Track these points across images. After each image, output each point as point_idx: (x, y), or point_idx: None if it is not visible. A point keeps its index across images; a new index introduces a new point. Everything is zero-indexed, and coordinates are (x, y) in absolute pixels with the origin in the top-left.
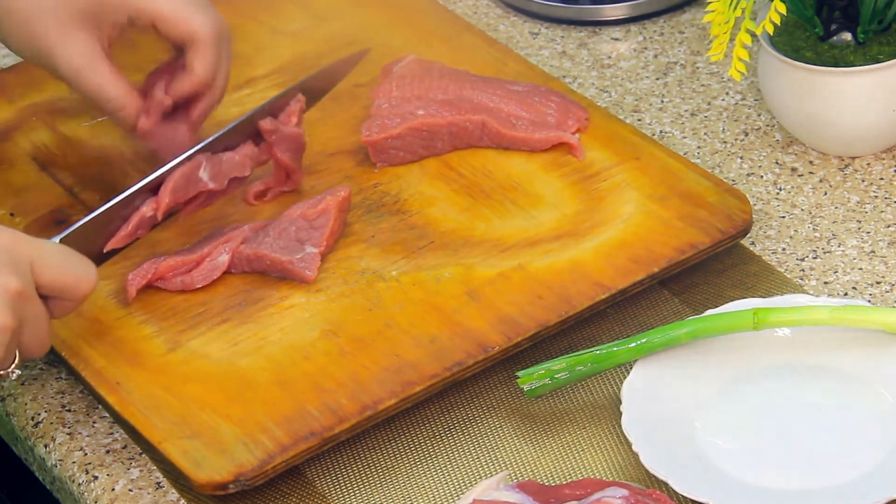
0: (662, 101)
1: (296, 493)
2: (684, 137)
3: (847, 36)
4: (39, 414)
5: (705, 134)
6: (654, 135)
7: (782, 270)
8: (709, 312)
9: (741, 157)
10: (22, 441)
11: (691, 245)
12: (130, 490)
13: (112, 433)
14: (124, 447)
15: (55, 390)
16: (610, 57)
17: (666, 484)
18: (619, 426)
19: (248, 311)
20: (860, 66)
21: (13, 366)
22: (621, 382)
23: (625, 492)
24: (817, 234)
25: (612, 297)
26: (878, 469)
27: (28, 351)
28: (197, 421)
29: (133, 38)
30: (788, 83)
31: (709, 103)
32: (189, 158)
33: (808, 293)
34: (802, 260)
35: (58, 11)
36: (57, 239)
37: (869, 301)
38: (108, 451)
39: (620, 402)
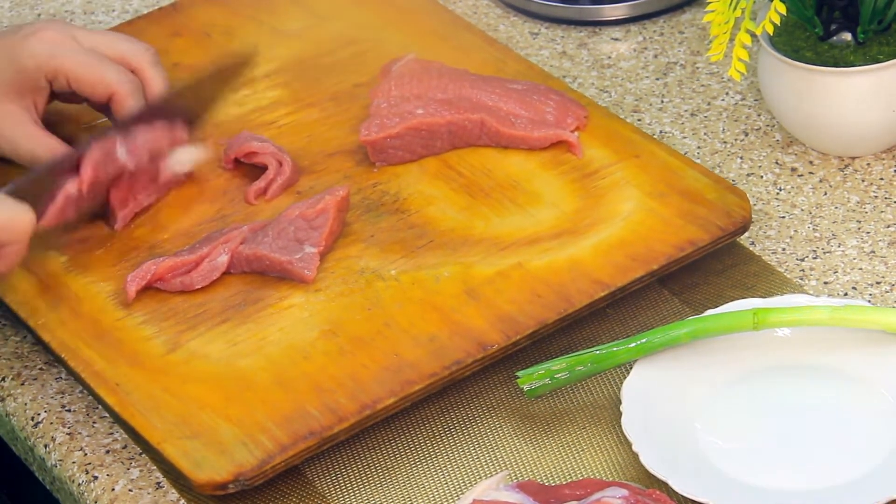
0: (662, 102)
1: (295, 493)
2: (684, 137)
3: (847, 36)
4: (39, 414)
5: (705, 134)
6: (654, 135)
7: (782, 270)
8: (709, 312)
9: (741, 158)
10: (22, 441)
11: (691, 242)
12: (130, 490)
13: (112, 433)
14: (124, 447)
15: (55, 390)
16: (610, 57)
17: (666, 484)
18: (619, 426)
19: (248, 312)
20: (860, 66)
21: None
22: (621, 382)
23: (625, 492)
24: (817, 235)
25: (612, 295)
26: (878, 469)
27: None
28: (196, 421)
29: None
30: (788, 83)
31: (709, 103)
32: (105, 138)
33: (808, 293)
34: (802, 260)
35: None
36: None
37: (869, 301)
38: (107, 452)
39: (620, 402)
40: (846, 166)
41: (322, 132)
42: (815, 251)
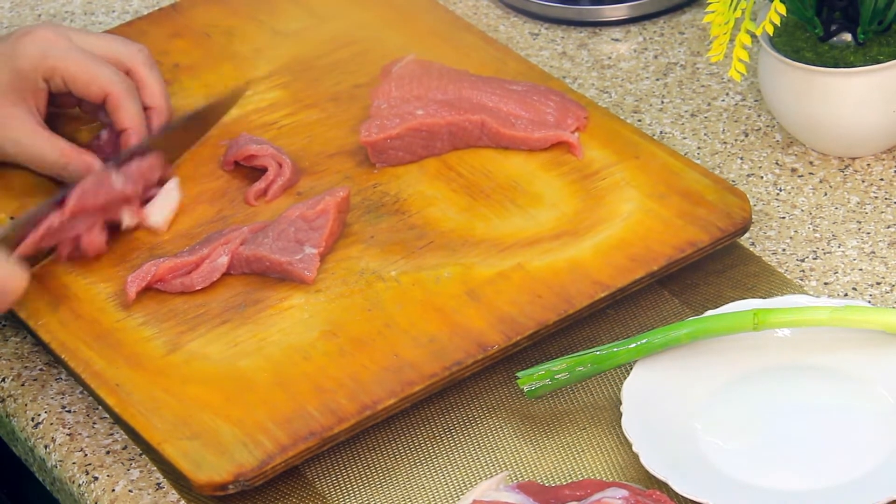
0: (662, 102)
1: (295, 494)
2: (684, 138)
3: (847, 36)
4: (39, 415)
5: (705, 134)
6: (654, 135)
7: (782, 271)
8: (709, 313)
9: (741, 158)
10: (22, 442)
11: (691, 243)
12: (130, 491)
13: (112, 434)
14: (124, 448)
15: (55, 391)
16: (610, 58)
17: (666, 484)
18: (619, 426)
19: (248, 313)
20: (860, 66)
21: None
22: (621, 383)
23: (625, 492)
24: (817, 235)
25: (612, 296)
26: (878, 469)
27: None
28: (196, 422)
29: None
30: (788, 84)
31: (709, 104)
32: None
33: (808, 294)
34: (802, 260)
35: None
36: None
37: (869, 301)
38: (108, 452)
39: (620, 403)
40: (846, 167)
41: (322, 133)
42: (815, 252)
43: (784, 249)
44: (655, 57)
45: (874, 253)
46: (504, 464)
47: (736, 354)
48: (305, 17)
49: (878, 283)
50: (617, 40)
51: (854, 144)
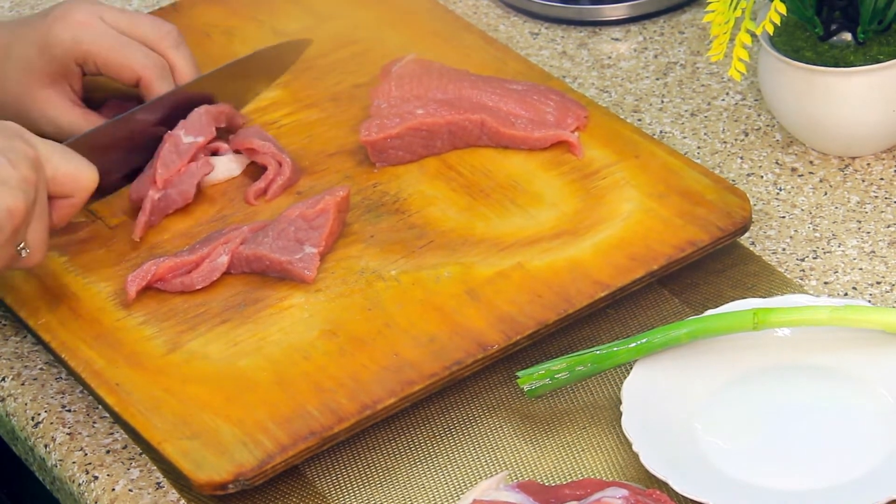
0: (662, 102)
1: (295, 493)
2: (684, 137)
3: (847, 36)
4: (39, 414)
5: (705, 134)
6: (654, 135)
7: (782, 270)
8: (709, 312)
9: (741, 158)
10: (22, 441)
11: (691, 243)
12: (130, 490)
13: (112, 433)
14: (124, 447)
15: (55, 390)
16: (610, 57)
17: (666, 484)
18: (619, 426)
19: (248, 312)
20: (860, 66)
21: (20, 250)
22: (621, 382)
23: (625, 492)
24: (817, 235)
25: (612, 296)
26: (878, 469)
27: (30, 245)
28: (196, 421)
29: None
30: (788, 83)
31: (709, 103)
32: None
33: (808, 293)
34: (802, 260)
35: (20, 79)
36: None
37: (869, 301)
38: (108, 452)
39: (620, 402)
40: (846, 166)
41: (322, 132)
42: (815, 251)
43: (784, 249)
44: (655, 56)
45: (874, 252)
46: (504, 463)
47: (736, 354)
48: (305, 16)
49: (878, 283)
50: (617, 40)
51: (854, 144)
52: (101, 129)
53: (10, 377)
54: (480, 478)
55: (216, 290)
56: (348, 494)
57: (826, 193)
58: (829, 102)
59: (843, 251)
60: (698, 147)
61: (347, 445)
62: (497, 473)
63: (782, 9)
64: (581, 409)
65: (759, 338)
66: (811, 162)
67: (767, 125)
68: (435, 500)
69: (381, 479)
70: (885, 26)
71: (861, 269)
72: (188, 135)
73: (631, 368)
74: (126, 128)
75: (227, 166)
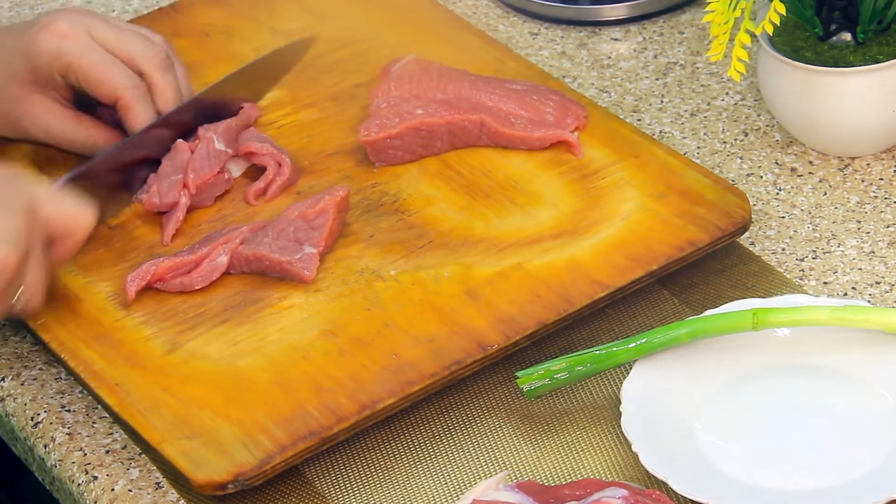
0: (662, 102)
1: (295, 493)
2: (684, 138)
3: (847, 36)
4: (39, 414)
5: (705, 134)
6: (653, 135)
7: (782, 271)
8: (708, 313)
9: (741, 158)
10: (21, 441)
11: (690, 242)
12: (130, 490)
13: (111, 433)
14: (124, 447)
15: (55, 390)
16: (610, 57)
17: (666, 484)
18: (619, 426)
19: (247, 312)
20: (860, 66)
21: (17, 298)
22: (621, 382)
23: (624, 492)
24: (817, 235)
25: (611, 296)
26: (878, 469)
27: (27, 291)
28: (196, 421)
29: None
30: (788, 83)
31: (708, 103)
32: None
33: (807, 293)
34: (802, 260)
35: (7, 86)
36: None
37: (868, 301)
38: (107, 452)
39: (620, 402)
40: (846, 166)
41: (321, 132)
42: (814, 251)
43: (783, 249)
44: (655, 56)
45: (874, 252)
46: (504, 463)
47: (736, 354)
48: (305, 16)
49: (878, 283)
50: (616, 40)
51: (853, 144)
52: (91, 166)
53: (10, 377)
54: (480, 478)
55: (216, 289)
56: (348, 494)
57: (826, 193)
58: (828, 102)
59: (842, 251)
60: (698, 147)
61: (347, 445)
62: (497, 473)
63: (782, 9)
64: (581, 409)
65: (759, 338)
66: (811, 162)
67: (767, 125)
68: (435, 500)
69: (381, 479)
70: (885, 26)
71: (860, 269)
72: (220, 142)
73: (630, 368)
74: (115, 161)
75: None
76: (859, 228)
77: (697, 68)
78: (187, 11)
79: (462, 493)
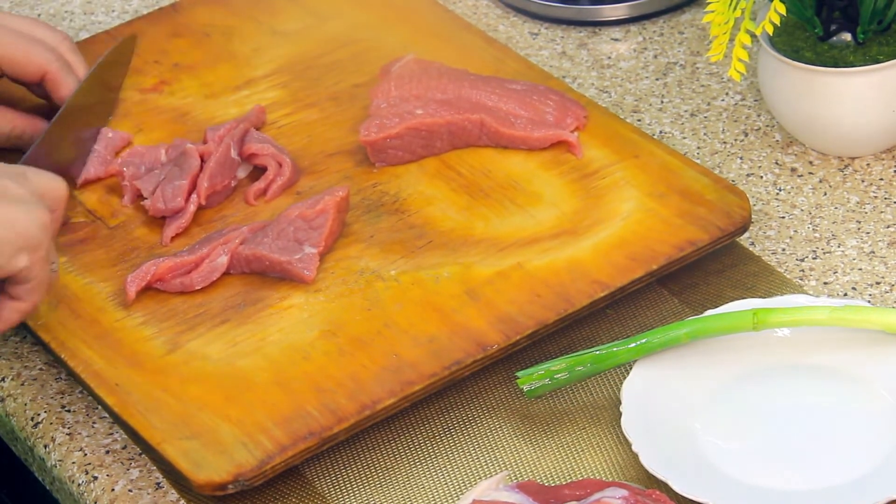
0: (662, 102)
1: (295, 494)
2: (684, 138)
3: (847, 36)
4: (39, 414)
5: (705, 134)
6: (653, 135)
7: (782, 271)
8: (708, 313)
9: (741, 158)
10: (22, 441)
11: (690, 242)
12: (130, 490)
13: (112, 433)
14: (124, 447)
15: (55, 391)
16: (610, 57)
17: (666, 484)
18: (619, 426)
19: (248, 312)
20: (860, 66)
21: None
22: (621, 382)
23: (625, 492)
24: (817, 235)
25: (612, 295)
26: (878, 469)
27: (37, 281)
28: (196, 421)
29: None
30: (788, 83)
31: (708, 104)
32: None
33: (807, 293)
34: (802, 260)
35: None
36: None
37: (869, 301)
38: (107, 452)
39: (620, 403)
40: (846, 166)
41: (322, 132)
42: (814, 251)
43: (784, 249)
44: (655, 56)
45: (874, 252)
46: (504, 463)
47: (736, 354)
48: (305, 16)
49: (878, 283)
50: (616, 40)
51: (854, 144)
52: (47, 135)
53: (10, 377)
54: (480, 478)
55: (216, 290)
56: (348, 495)
57: (826, 194)
58: (828, 103)
59: (842, 251)
60: (698, 147)
61: (347, 446)
62: (497, 473)
63: (782, 9)
64: (581, 410)
65: (759, 338)
66: (811, 162)
67: (767, 125)
68: (435, 500)
69: (381, 479)
70: (885, 26)
71: (861, 269)
72: (235, 149)
73: (631, 368)
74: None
75: None
76: (859, 228)
77: (697, 68)
78: (187, 11)
79: (462, 494)
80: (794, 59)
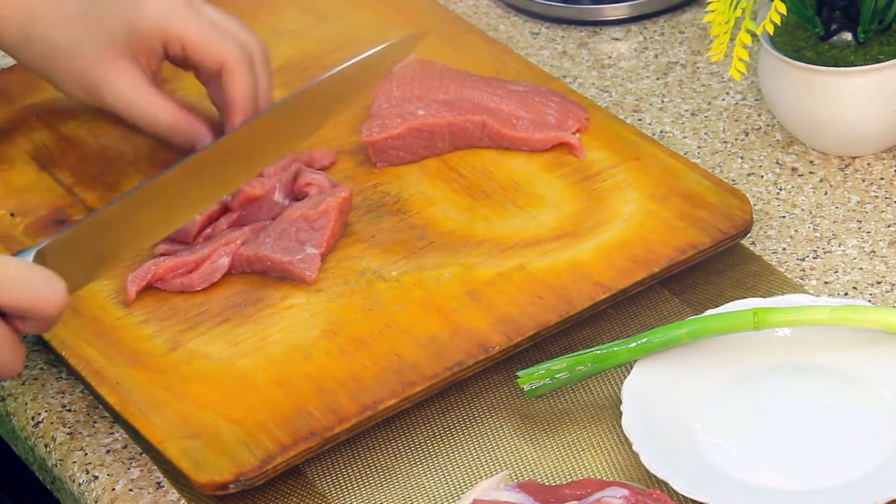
0: (663, 101)
1: (296, 493)
2: (685, 137)
3: (847, 36)
4: (40, 414)
5: (705, 134)
6: (654, 135)
7: (783, 270)
8: (709, 312)
9: (741, 157)
10: (22, 441)
11: (692, 245)
12: (131, 490)
13: (112, 433)
14: (124, 447)
15: (55, 390)
16: (610, 57)
17: (666, 484)
18: (619, 426)
19: (249, 312)
20: (860, 66)
21: None
22: (621, 382)
23: (625, 492)
24: (817, 234)
25: (613, 297)
26: (878, 469)
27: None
28: (197, 421)
29: None
30: (789, 83)
31: (709, 103)
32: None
33: (808, 293)
34: (803, 260)
35: (97, 45)
36: (43, 245)
37: (869, 301)
38: (108, 451)
39: (620, 402)
40: (846, 166)
41: (323, 132)
42: (815, 251)
43: (784, 249)
44: (656, 56)
45: (874, 252)
46: (504, 463)
47: (736, 354)
48: (305, 16)
49: (879, 283)
50: (617, 39)
51: (854, 144)
52: (72, 231)
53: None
54: (480, 478)
55: (217, 289)
56: (349, 494)
57: (826, 193)
58: (829, 102)
59: (843, 251)
60: (698, 147)
61: (348, 445)
62: (497, 473)
63: (782, 8)
64: (581, 409)
65: (759, 338)
66: (811, 162)
67: (767, 125)
68: (435, 500)
69: (382, 479)
70: (886, 26)
71: (861, 268)
72: (280, 192)
73: (631, 368)
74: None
75: None
76: (860, 228)
77: (698, 68)
78: None
79: (463, 493)
80: (794, 59)
